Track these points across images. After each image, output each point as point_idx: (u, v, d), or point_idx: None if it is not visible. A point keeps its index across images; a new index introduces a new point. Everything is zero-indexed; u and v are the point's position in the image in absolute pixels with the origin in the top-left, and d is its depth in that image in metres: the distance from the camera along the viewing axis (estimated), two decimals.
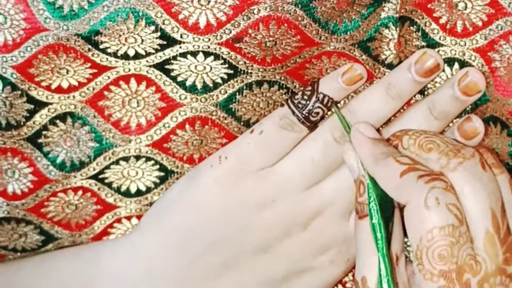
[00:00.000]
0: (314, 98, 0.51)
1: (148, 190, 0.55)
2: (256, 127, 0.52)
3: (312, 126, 0.52)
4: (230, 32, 0.49)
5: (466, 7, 0.50)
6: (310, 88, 0.52)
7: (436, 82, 0.52)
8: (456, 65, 0.52)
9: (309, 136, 0.52)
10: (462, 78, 0.51)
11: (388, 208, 0.49)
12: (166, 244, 0.53)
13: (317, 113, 0.52)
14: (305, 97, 0.51)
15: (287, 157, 0.52)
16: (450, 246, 0.45)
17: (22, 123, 0.51)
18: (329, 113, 0.53)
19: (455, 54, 0.52)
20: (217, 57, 0.50)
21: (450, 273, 0.45)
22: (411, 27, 0.51)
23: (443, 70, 0.52)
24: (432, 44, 0.51)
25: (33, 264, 0.55)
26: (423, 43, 0.52)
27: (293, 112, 0.51)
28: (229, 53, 0.49)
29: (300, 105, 0.51)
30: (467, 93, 0.51)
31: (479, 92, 0.51)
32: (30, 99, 0.51)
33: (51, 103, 0.51)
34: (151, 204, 0.55)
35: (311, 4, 0.49)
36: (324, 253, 0.54)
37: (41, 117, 0.51)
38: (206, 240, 0.53)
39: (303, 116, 0.51)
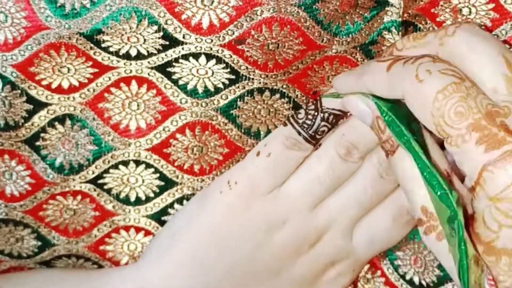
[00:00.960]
0: (319, 118, 0.51)
1: (148, 199, 0.54)
2: (261, 149, 0.52)
3: (317, 143, 0.52)
4: (233, 33, 0.49)
5: (470, 12, 0.50)
6: (313, 107, 0.51)
7: None
8: None
9: (314, 154, 0.52)
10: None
11: (415, 132, 0.46)
12: (179, 274, 0.52)
13: (323, 131, 0.51)
14: (310, 116, 0.51)
15: (293, 177, 0.52)
16: (463, 100, 0.41)
17: (20, 124, 0.51)
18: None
19: None
20: (219, 60, 0.49)
21: (479, 122, 0.41)
22: (414, 32, 0.51)
23: None
24: None
25: (36, 286, 0.54)
26: None
27: (299, 133, 0.51)
28: (231, 56, 0.49)
29: (305, 125, 0.51)
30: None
31: None
32: (30, 99, 0.50)
33: (50, 104, 0.51)
34: (150, 216, 0.54)
35: (314, 6, 0.49)
36: (332, 267, 0.54)
37: (39, 118, 0.51)
38: (219, 267, 0.52)
39: (309, 135, 0.51)
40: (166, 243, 0.53)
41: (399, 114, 0.46)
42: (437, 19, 0.51)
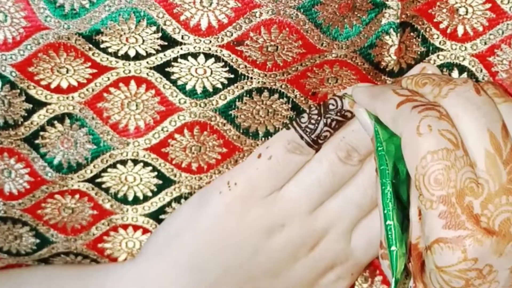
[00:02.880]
0: (322, 123, 0.51)
1: (146, 198, 0.54)
2: (263, 151, 0.52)
3: (319, 148, 0.52)
4: (232, 35, 0.49)
5: (467, 12, 0.51)
6: (316, 111, 0.52)
7: None
8: (456, 70, 0.52)
9: (314, 158, 0.52)
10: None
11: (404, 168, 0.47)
12: (175, 274, 0.52)
13: (325, 136, 0.52)
14: (313, 121, 0.51)
15: (293, 180, 0.52)
16: (446, 170, 0.43)
17: (20, 123, 0.51)
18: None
19: (454, 59, 0.52)
20: (218, 59, 0.49)
21: (449, 198, 0.43)
22: (412, 33, 0.51)
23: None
24: (432, 49, 0.52)
25: (36, 282, 0.54)
26: (423, 49, 0.52)
27: (301, 137, 0.51)
28: (230, 55, 0.49)
29: (308, 130, 0.51)
30: None
31: None
32: (29, 99, 0.50)
33: (49, 103, 0.51)
34: (148, 215, 0.54)
35: (313, 9, 0.49)
36: (331, 271, 0.54)
37: (39, 117, 0.51)
38: (217, 268, 0.52)
39: (312, 140, 0.51)
40: (164, 242, 0.53)
41: (394, 147, 0.47)
42: (434, 20, 0.51)
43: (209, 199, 0.52)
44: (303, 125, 0.52)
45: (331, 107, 0.52)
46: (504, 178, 0.44)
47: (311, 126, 0.51)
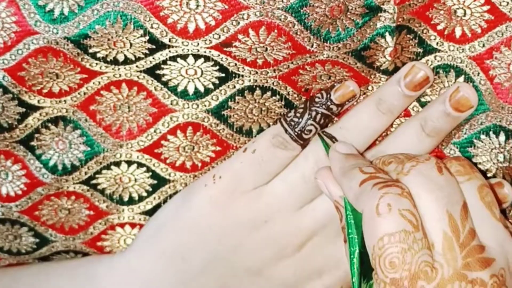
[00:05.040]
0: (306, 116, 0.50)
1: (141, 198, 0.54)
2: (249, 145, 0.52)
3: (305, 144, 0.51)
4: (219, 37, 0.48)
5: (465, 14, 0.49)
6: (302, 105, 0.51)
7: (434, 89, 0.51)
8: (452, 73, 0.50)
9: (300, 154, 0.51)
10: (453, 94, 0.50)
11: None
12: (161, 264, 0.53)
13: (310, 131, 0.51)
14: (298, 114, 0.51)
15: (279, 176, 0.52)
16: (402, 253, 0.43)
17: (14, 126, 0.52)
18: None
19: (451, 60, 0.50)
20: (207, 59, 0.49)
21: (402, 281, 0.43)
22: (408, 35, 0.50)
23: (439, 79, 0.51)
24: (429, 50, 0.50)
25: (29, 278, 0.55)
26: (420, 50, 0.50)
27: (286, 130, 0.51)
28: (219, 55, 0.49)
29: (292, 123, 0.51)
30: (459, 109, 0.50)
31: (471, 108, 0.50)
32: (22, 103, 0.51)
33: (43, 107, 0.51)
34: (144, 212, 0.55)
35: (302, 10, 0.48)
36: (318, 278, 0.53)
37: (33, 120, 0.52)
38: (200, 260, 0.52)
39: (296, 134, 0.51)
40: (151, 234, 0.53)
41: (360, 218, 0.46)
42: (432, 22, 0.50)
43: (194, 192, 0.52)
44: (288, 119, 0.51)
45: (317, 100, 0.51)
46: (459, 263, 0.43)
47: (295, 120, 0.51)
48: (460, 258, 0.43)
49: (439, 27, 0.50)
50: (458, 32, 0.49)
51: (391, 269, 0.43)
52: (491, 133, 0.50)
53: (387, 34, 0.49)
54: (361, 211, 0.45)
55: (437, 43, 0.50)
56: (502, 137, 0.50)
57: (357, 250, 0.46)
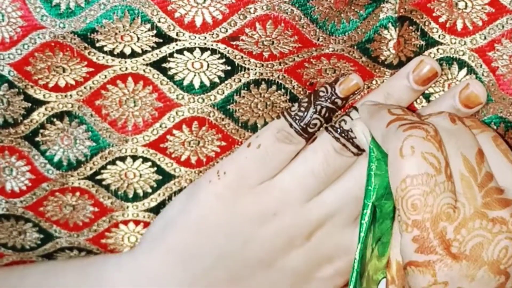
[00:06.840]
0: (311, 110, 0.51)
1: (145, 195, 0.54)
2: (253, 140, 0.52)
3: (310, 137, 0.52)
4: (227, 31, 0.49)
5: (466, 6, 0.50)
6: (306, 99, 0.51)
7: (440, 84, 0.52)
8: (455, 65, 0.51)
9: (308, 147, 0.52)
10: (463, 90, 0.50)
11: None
12: (169, 262, 0.53)
13: (315, 125, 0.51)
14: (302, 108, 0.51)
15: (286, 170, 0.52)
16: (424, 196, 0.43)
17: (19, 121, 0.51)
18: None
19: (454, 53, 0.51)
20: (213, 51, 0.49)
21: (424, 223, 0.43)
22: (411, 27, 0.51)
23: (442, 71, 0.52)
24: (431, 43, 0.51)
25: (36, 277, 0.55)
26: (422, 42, 0.51)
27: (291, 125, 0.51)
28: (225, 48, 0.49)
29: (297, 117, 0.51)
30: (468, 105, 0.50)
31: (480, 104, 0.51)
32: (28, 98, 0.51)
33: (48, 102, 0.51)
34: (148, 210, 0.55)
35: (308, 4, 0.48)
36: (328, 264, 0.54)
37: (38, 115, 0.51)
38: (209, 256, 0.53)
39: (301, 128, 0.51)
40: (158, 232, 0.53)
41: (386, 167, 0.46)
42: (433, 14, 0.51)
43: (200, 188, 0.53)
44: (292, 113, 0.51)
45: (321, 94, 0.51)
46: (479, 202, 0.44)
47: (300, 114, 0.51)
48: (480, 197, 0.44)
49: (440, 20, 0.50)
50: (459, 25, 0.50)
51: (413, 211, 0.44)
52: (492, 124, 0.51)
53: (390, 25, 0.50)
54: (387, 151, 0.45)
55: (439, 36, 0.51)
56: (502, 128, 0.51)
57: (370, 202, 0.46)
